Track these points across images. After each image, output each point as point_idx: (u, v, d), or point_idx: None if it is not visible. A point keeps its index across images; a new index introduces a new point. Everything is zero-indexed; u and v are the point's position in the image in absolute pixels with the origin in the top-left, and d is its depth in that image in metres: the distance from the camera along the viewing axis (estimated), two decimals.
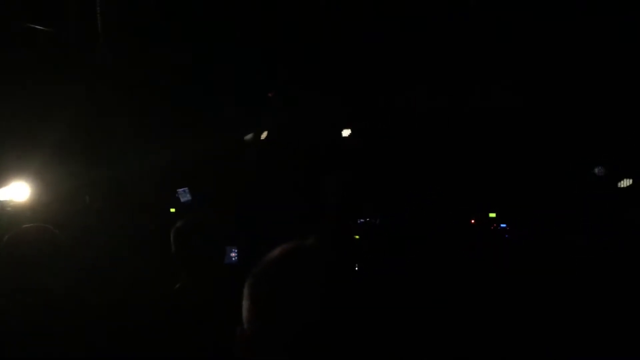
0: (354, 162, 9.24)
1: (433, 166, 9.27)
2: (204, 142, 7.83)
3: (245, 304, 1.01)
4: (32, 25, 5.45)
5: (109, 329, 2.20)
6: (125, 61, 6.01)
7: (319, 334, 0.96)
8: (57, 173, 6.48)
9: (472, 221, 9.24)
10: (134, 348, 2.20)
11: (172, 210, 8.30)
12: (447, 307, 4.90)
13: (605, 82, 7.40)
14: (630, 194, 8.77)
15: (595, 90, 7.60)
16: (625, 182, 8.95)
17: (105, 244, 5.73)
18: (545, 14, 5.79)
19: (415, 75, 7.49)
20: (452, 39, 6.41)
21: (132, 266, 4.91)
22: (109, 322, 2.28)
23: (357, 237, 7.35)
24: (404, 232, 8.31)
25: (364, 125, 9.21)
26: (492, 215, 9.21)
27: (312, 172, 8.97)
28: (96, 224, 6.39)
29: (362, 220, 8.85)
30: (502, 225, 9.09)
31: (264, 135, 8.88)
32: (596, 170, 8.79)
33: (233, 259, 6.57)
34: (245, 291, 1.02)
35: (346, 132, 9.13)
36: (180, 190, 8.29)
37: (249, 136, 8.91)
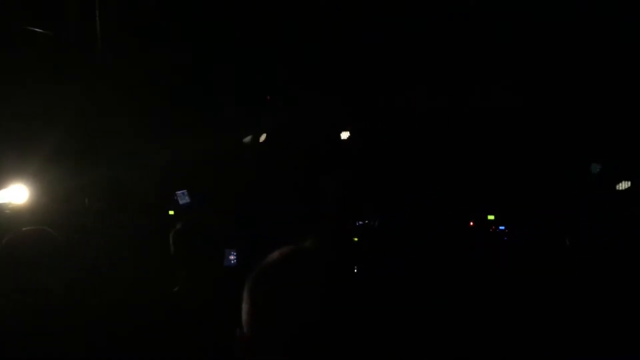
0: (353, 162, 9.24)
1: (432, 168, 9.28)
2: (203, 143, 7.82)
3: (244, 306, 1.02)
4: (32, 27, 5.44)
5: (109, 330, 2.20)
6: (125, 62, 6.01)
7: (318, 336, 0.96)
8: (55, 175, 6.46)
9: (471, 223, 9.24)
10: (134, 348, 2.20)
11: (171, 212, 8.29)
12: (446, 308, 4.89)
13: (604, 83, 7.41)
14: (629, 195, 8.78)
15: (594, 91, 7.61)
16: (624, 185, 8.96)
17: (104, 245, 5.72)
18: (545, 14, 5.79)
19: (415, 76, 7.50)
20: (452, 39, 6.41)
21: (131, 267, 4.90)
22: (108, 323, 2.28)
23: (356, 239, 7.34)
24: (403, 233, 8.31)
25: (364, 125, 9.22)
26: (491, 217, 9.21)
27: (311, 172, 8.97)
28: (95, 226, 6.38)
29: (361, 222, 8.85)
30: (501, 227, 9.08)
31: (262, 137, 8.88)
32: (593, 167, 8.79)
33: (232, 261, 6.57)
34: (245, 293, 1.03)
35: (345, 134, 9.13)
36: (179, 192, 8.28)
37: (247, 138, 8.91)
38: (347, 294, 1.02)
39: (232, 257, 6.62)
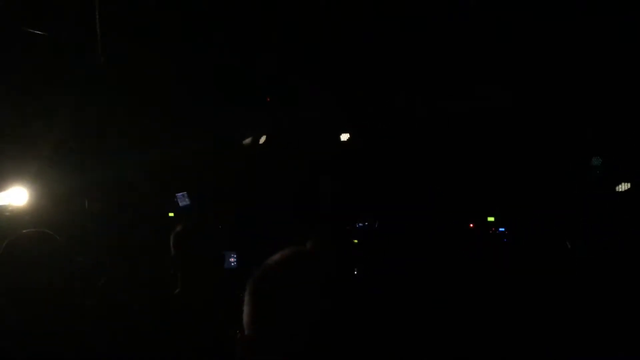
0: (352, 164, 9.24)
1: (431, 169, 9.27)
2: (204, 145, 7.83)
3: (245, 307, 1.03)
4: (30, 29, 5.44)
5: (109, 331, 2.20)
6: (124, 63, 6.01)
7: (318, 337, 0.97)
8: (55, 177, 6.47)
9: (471, 225, 9.24)
10: (134, 350, 2.20)
11: (171, 214, 8.30)
12: (446, 309, 4.89)
13: (604, 84, 7.41)
14: (629, 196, 8.78)
15: (594, 92, 7.61)
16: (624, 186, 8.95)
17: (104, 247, 5.73)
18: (545, 14, 5.80)
19: (415, 76, 7.50)
20: (451, 40, 6.41)
21: (131, 269, 4.90)
22: (108, 324, 2.28)
23: (355, 240, 7.34)
24: (402, 235, 8.30)
25: (363, 127, 9.22)
26: (491, 219, 9.21)
27: (311, 174, 8.97)
28: (95, 227, 6.38)
29: (360, 224, 8.85)
30: (500, 229, 9.08)
31: (262, 139, 8.89)
32: (594, 160, 8.78)
33: (232, 263, 6.57)
34: (246, 295, 1.03)
35: (345, 135, 9.14)
36: (179, 194, 8.30)
37: (247, 140, 8.91)
38: (347, 296, 1.03)
39: (232, 259, 6.63)
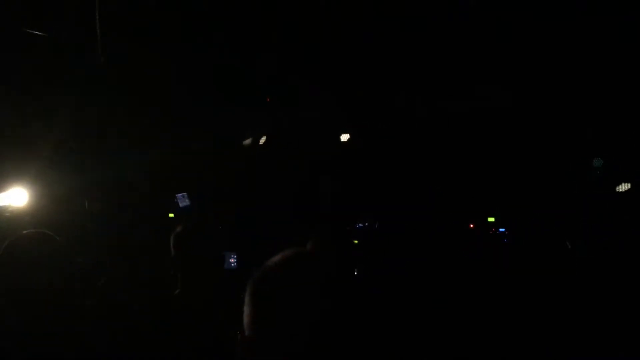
0: (352, 164, 9.24)
1: (432, 170, 9.27)
2: (204, 145, 7.82)
3: (246, 308, 1.03)
4: (30, 29, 5.44)
5: (109, 331, 2.21)
6: (124, 64, 6.01)
7: (318, 338, 0.97)
8: (55, 177, 6.46)
9: (471, 225, 9.24)
10: (134, 350, 2.20)
11: (171, 215, 8.30)
12: (446, 310, 4.89)
13: (605, 85, 7.41)
14: (630, 196, 8.78)
15: (594, 92, 7.61)
16: (624, 186, 8.95)
17: (104, 247, 5.73)
18: (545, 14, 5.80)
19: (415, 76, 7.50)
20: (451, 40, 6.41)
21: (132, 269, 4.90)
22: (109, 324, 2.28)
23: (356, 241, 7.33)
24: (402, 236, 8.30)
25: (363, 128, 9.22)
26: (491, 219, 9.21)
27: (311, 174, 8.97)
28: (95, 227, 6.38)
29: (361, 224, 8.84)
30: (501, 229, 9.09)
31: (262, 139, 8.89)
32: (595, 162, 8.78)
33: (232, 264, 6.57)
34: (246, 296, 1.04)
35: (345, 136, 9.14)
36: (179, 195, 8.30)
37: (247, 140, 8.91)
38: (348, 296, 1.03)
39: (232, 260, 6.63)
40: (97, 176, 6.87)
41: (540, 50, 6.62)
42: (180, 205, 8.29)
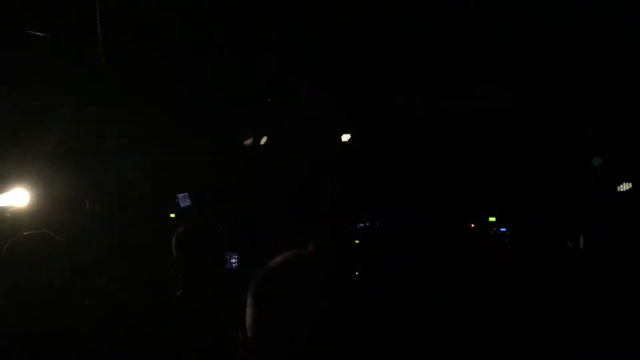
0: (353, 164, 9.24)
1: (432, 170, 9.27)
2: (204, 145, 7.82)
3: (248, 309, 1.04)
4: (30, 29, 5.44)
5: (110, 331, 2.21)
6: (124, 64, 6.01)
7: (320, 339, 0.98)
8: (55, 178, 6.46)
9: (472, 225, 9.24)
10: (134, 350, 2.20)
11: (172, 215, 8.30)
12: (447, 310, 4.89)
13: (604, 85, 7.40)
14: (630, 196, 8.77)
15: (594, 92, 7.61)
16: (625, 186, 8.94)
17: (104, 247, 5.72)
18: (545, 14, 5.79)
19: (415, 76, 7.50)
20: (451, 40, 6.41)
21: (131, 269, 4.90)
22: (109, 324, 2.28)
23: (357, 241, 7.34)
24: (403, 236, 8.30)
25: (363, 128, 9.21)
26: (492, 219, 9.20)
27: (311, 174, 8.97)
28: (95, 227, 6.38)
29: (362, 225, 8.84)
30: (502, 229, 9.08)
31: (264, 139, 8.89)
32: (595, 161, 8.77)
33: (233, 265, 6.58)
34: (249, 297, 1.04)
35: (346, 136, 9.14)
36: (180, 195, 8.29)
37: (248, 140, 8.91)
38: (349, 297, 1.04)
39: (233, 261, 6.63)
40: (97, 176, 6.87)
41: (540, 50, 6.61)
42: (182, 205, 8.29)
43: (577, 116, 8.23)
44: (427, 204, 8.92)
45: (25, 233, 2.14)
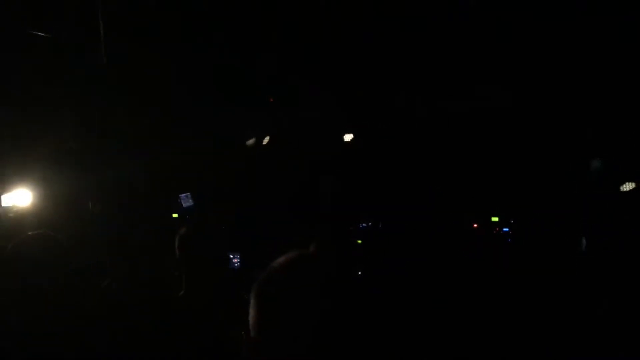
0: (354, 164, 9.24)
1: (433, 170, 9.26)
2: (203, 145, 7.82)
3: (251, 310, 1.04)
4: (30, 29, 5.44)
5: (110, 331, 2.21)
6: (124, 64, 6.02)
7: (323, 339, 0.98)
8: (57, 178, 6.47)
9: (475, 225, 9.23)
10: (134, 350, 2.20)
11: (175, 215, 8.30)
12: (449, 310, 4.89)
13: (604, 85, 7.40)
14: (631, 196, 8.76)
15: (594, 92, 7.60)
16: (628, 186, 8.93)
17: (105, 247, 5.72)
18: (545, 14, 5.79)
19: (416, 76, 7.50)
20: (451, 40, 6.41)
21: (132, 269, 4.89)
22: (110, 324, 2.28)
23: (359, 241, 7.33)
24: (405, 236, 8.29)
25: (363, 128, 9.21)
26: (495, 219, 9.19)
27: (312, 174, 8.97)
28: (96, 227, 6.38)
29: (364, 225, 8.83)
30: (504, 229, 9.07)
31: (266, 139, 8.89)
32: (594, 163, 8.77)
33: (236, 265, 6.58)
34: (252, 298, 1.05)
35: (348, 136, 9.14)
36: (182, 195, 8.30)
37: (251, 140, 8.92)
38: (351, 297, 1.04)
39: (235, 260, 6.63)
40: (98, 176, 6.88)
41: (540, 50, 6.61)
42: (184, 205, 8.29)
43: (577, 116, 8.22)
44: (429, 204, 8.91)
45: (30, 233, 2.14)
